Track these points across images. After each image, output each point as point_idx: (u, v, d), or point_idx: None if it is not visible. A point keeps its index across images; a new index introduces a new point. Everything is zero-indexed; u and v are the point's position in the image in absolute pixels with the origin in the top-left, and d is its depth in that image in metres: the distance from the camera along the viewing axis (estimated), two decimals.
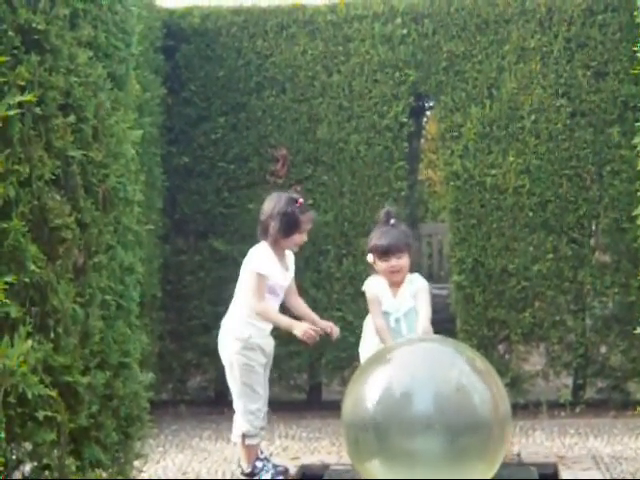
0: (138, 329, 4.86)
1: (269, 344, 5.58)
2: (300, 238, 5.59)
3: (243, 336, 5.46)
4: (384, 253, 5.53)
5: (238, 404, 5.52)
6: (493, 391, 4.73)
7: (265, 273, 5.43)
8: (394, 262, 5.52)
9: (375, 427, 4.66)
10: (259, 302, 5.41)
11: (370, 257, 5.61)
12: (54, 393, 3.91)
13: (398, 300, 5.58)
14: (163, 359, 8.86)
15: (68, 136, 4.16)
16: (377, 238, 5.56)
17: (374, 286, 5.65)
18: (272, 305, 5.55)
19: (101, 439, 4.45)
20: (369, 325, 5.76)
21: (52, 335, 4.02)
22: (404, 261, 5.55)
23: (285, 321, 5.45)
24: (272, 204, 5.55)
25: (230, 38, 8.97)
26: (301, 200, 5.56)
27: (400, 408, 4.66)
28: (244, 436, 5.53)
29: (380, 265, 5.58)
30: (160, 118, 8.62)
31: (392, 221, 5.64)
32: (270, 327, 5.59)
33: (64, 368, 4.05)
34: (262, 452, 5.71)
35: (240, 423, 5.53)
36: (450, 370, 4.81)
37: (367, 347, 5.70)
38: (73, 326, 4.12)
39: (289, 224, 5.49)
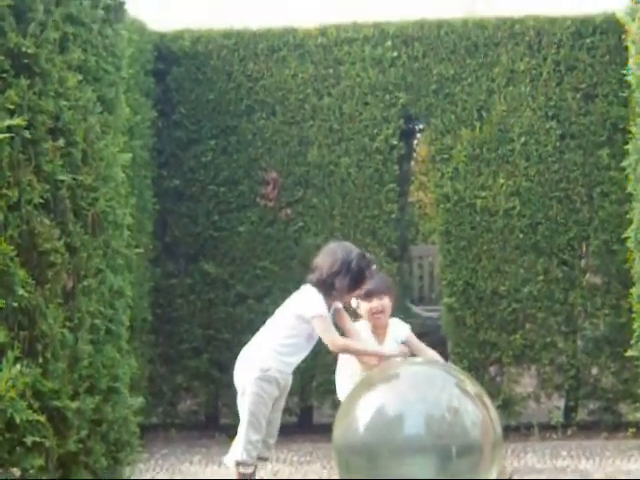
0: (128, 353, 4.85)
1: (286, 379, 5.54)
2: (357, 294, 5.58)
3: (264, 366, 5.40)
4: (367, 295, 5.52)
5: (241, 430, 5.47)
6: (484, 413, 4.72)
7: (327, 314, 5.39)
8: (376, 303, 5.51)
9: (366, 451, 4.63)
10: (336, 338, 5.36)
11: (354, 301, 5.60)
12: (42, 418, 3.90)
13: (384, 346, 5.58)
14: (153, 383, 8.81)
15: (57, 160, 4.17)
16: None
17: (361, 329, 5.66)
18: (304, 353, 5.52)
19: (90, 464, 4.42)
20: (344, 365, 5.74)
21: (40, 360, 4.01)
22: (386, 302, 5.54)
23: (377, 351, 5.41)
24: (338, 257, 5.40)
25: (221, 61, 8.97)
26: (368, 254, 5.50)
27: (391, 431, 4.64)
28: (238, 463, 5.48)
29: (363, 307, 5.58)
30: (151, 141, 8.62)
31: (373, 267, 5.58)
32: (294, 366, 5.55)
33: (53, 393, 4.03)
34: (254, 475, 5.66)
35: (238, 450, 5.48)
36: (441, 393, 4.79)
37: (344, 387, 5.67)
38: (62, 350, 4.11)
39: (357, 281, 5.44)
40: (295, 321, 5.43)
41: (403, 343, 5.60)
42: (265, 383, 5.39)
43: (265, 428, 5.48)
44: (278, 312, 5.56)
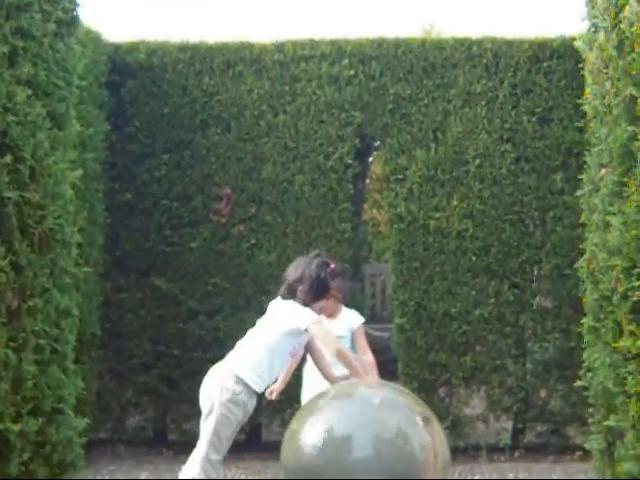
0: (74, 373, 4.76)
1: (252, 403, 5.48)
2: (326, 304, 5.63)
3: (235, 389, 5.34)
4: None
5: (201, 449, 5.38)
6: (432, 436, 4.70)
7: (319, 318, 5.42)
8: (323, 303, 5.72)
9: (315, 472, 4.60)
10: (336, 343, 5.41)
11: None
12: None
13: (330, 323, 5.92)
14: (102, 398, 8.70)
15: (4, 177, 4.09)
16: None
17: None
18: (279, 373, 5.54)
19: None
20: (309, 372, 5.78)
21: None
22: (329, 303, 5.88)
23: (358, 370, 5.42)
24: (301, 268, 5.48)
25: (176, 74, 8.90)
26: (333, 265, 5.55)
27: (340, 453, 4.61)
28: None
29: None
30: (103, 154, 8.51)
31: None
32: (262, 390, 5.50)
33: None
34: None
35: (195, 469, 5.39)
36: (390, 415, 4.78)
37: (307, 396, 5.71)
38: (5, 372, 4.03)
39: (319, 289, 5.46)
40: (279, 337, 5.37)
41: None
42: (234, 406, 5.33)
43: (225, 449, 5.41)
44: (250, 334, 5.51)
